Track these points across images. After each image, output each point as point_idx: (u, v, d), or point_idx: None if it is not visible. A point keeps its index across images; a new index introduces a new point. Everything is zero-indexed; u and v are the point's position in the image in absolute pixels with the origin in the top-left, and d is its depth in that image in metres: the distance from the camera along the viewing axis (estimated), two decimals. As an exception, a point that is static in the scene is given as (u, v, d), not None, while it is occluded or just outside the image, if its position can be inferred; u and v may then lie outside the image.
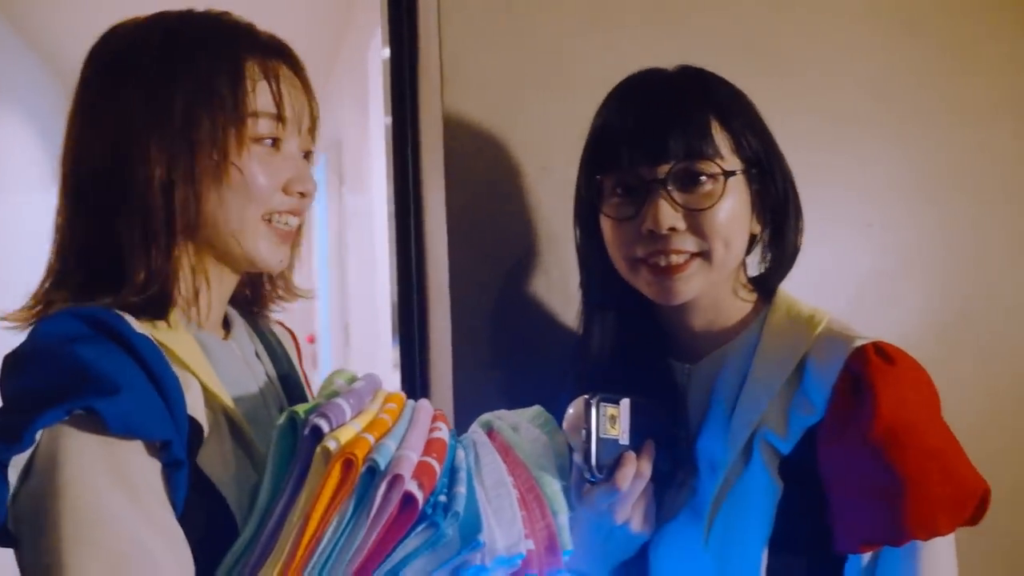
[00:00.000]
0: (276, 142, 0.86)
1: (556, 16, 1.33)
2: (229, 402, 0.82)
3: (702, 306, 1.00)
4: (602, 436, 0.91)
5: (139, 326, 0.77)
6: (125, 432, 0.70)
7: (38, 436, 0.69)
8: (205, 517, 0.77)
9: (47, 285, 0.83)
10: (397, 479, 0.75)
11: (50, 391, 0.69)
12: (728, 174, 0.93)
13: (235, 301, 0.97)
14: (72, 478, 0.68)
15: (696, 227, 0.93)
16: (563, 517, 0.87)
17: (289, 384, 0.98)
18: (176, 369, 0.78)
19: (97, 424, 0.69)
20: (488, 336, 1.29)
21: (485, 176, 1.29)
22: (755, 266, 1.04)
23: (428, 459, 0.79)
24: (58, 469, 0.68)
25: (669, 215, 0.92)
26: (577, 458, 0.93)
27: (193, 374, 0.80)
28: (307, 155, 0.91)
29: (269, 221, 0.87)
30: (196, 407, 0.78)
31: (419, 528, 0.76)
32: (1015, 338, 1.54)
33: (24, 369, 0.73)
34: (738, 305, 1.01)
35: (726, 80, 1.00)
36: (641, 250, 0.95)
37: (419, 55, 1.42)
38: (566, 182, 1.08)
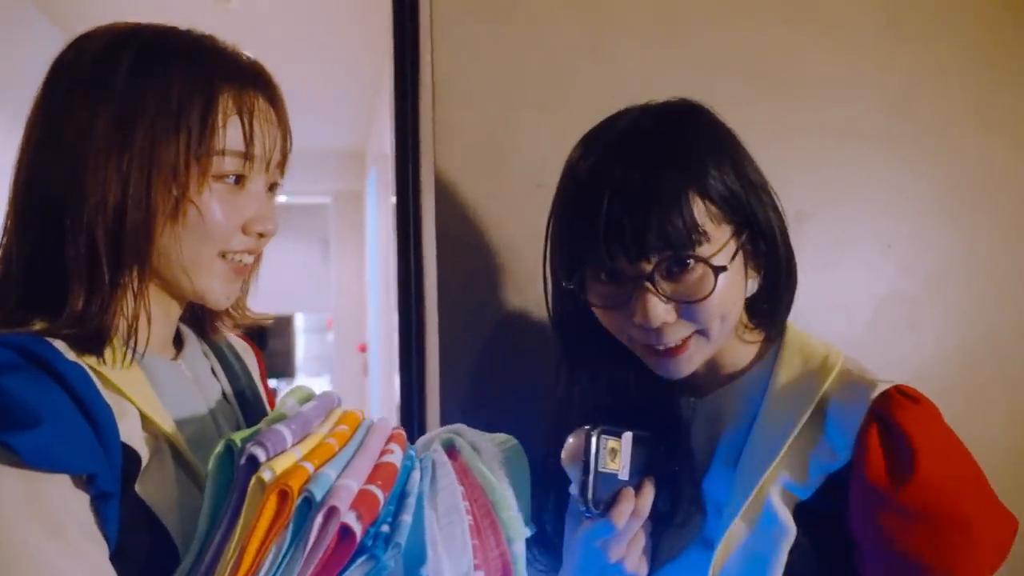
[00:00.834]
0: (240, 179, 0.82)
1: (551, 33, 1.31)
2: (170, 427, 0.80)
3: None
4: (601, 470, 0.88)
5: (71, 353, 0.75)
6: (44, 465, 0.68)
7: None
8: (146, 547, 0.75)
9: None
10: (333, 511, 0.72)
11: None
12: (719, 270, 0.86)
13: (190, 316, 0.94)
14: None
15: (690, 315, 0.88)
16: (519, 545, 0.84)
17: (246, 401, 0.96)
18: (110, 396, 0.75)
19: (15, 458, 0.67)
20: (477, 355, 1.28)
21: (476, 193, 1.28)
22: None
23: (371, 487, 0.77)
24: None
25: (660, 311, 0.87)
26: (573, 490, 0.90)
27: (130, 400, 0.78)
28: (272, 187, 0.88)
29: (224, 256, 0.84)
30: (132, 434, 0.76)
31: (359, 561, 0.74)
32: (1046, 366, 1.45)
33: None
34: (744, 347, 0.97)
35: (704, 117, 0.92)
36: (635, 333, 0.91)
37: (420, 72, 1.42)
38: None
